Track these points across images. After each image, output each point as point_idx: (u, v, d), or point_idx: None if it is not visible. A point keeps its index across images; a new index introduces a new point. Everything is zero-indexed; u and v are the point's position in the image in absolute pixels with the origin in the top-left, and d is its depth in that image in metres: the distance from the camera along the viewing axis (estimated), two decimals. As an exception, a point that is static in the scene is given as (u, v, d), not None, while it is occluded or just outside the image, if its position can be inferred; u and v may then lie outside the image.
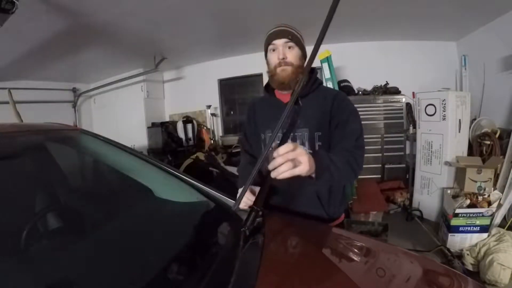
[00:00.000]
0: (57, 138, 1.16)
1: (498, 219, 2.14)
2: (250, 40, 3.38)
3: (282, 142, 0.82)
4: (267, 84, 1.04)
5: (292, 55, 0.92)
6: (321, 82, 1.03)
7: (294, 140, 0.97)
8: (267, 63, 0.99)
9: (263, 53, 1.01)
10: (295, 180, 0.99)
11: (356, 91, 3.59)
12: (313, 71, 1.00)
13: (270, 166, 0.65)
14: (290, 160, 0.64)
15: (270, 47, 0.95)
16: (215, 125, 4.53)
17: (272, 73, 0.96)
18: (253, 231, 0.77)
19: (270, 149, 0.67)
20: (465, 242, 2.14)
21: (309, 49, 0.64)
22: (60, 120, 1.49)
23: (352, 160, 0.83)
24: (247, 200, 0.85)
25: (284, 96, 1.00)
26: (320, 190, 0.98)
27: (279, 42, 0.92)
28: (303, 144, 0.97)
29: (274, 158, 0.65)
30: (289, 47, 0.92)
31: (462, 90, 3.32)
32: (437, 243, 2.29)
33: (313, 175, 0.73)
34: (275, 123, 0.74)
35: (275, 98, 1.03)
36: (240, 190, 0.84)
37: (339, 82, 3.40)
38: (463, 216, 2.13)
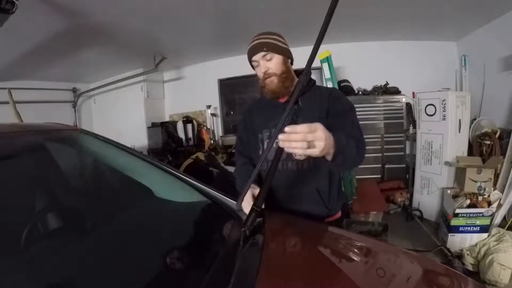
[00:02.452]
0: (57, 138, 1.16)
1: (498, 219, 2.14)
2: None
3: None
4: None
5: (273, 64, 0.95)
6: (315, 82, 1.06)
7: None
8: (257, 75, 1.01)
9: None
10: (295, 179, 1.00)
11: (356, 91, 3.59)
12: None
13: (283, 137, 0.60)
14: (307, 141, 0.61)
15: (253, 63, 0.99)
16: (215, 125, 4.52)
17: (262, 85, 1.00)
18: (253, 231, 0.77)
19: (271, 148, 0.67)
20: (465, 242, 2.13)
21: (309, 49, 0.64)
22: (60, 120, 1.48)
23: (360, 146, 0.83)
24: (250, 202, 0.83)
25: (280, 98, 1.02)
26: (321, 185, 0.99)
27: (257, 58, 0.96)
28: None
29: (288, 132, 0.60)
30: (268, 59, 0.95)
31: (462, 90, 3.32)
32: (437, 243, 2.29)
33: (329, 158, 0.70)
34: (273, 122, 0.74)
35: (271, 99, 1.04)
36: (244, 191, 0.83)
37: (339, 82, 3.40)
38: (463, 216, 2.13)
